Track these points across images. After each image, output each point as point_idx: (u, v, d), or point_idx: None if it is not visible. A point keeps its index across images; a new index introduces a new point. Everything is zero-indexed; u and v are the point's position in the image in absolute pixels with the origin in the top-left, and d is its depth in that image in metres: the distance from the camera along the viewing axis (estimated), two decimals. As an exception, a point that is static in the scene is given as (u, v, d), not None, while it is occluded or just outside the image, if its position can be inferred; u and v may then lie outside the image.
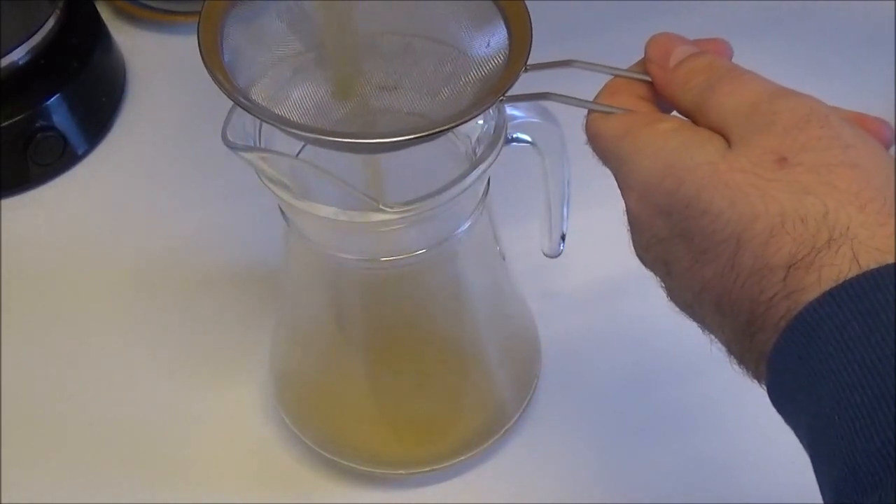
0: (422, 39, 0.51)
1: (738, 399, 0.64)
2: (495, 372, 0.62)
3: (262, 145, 0.52)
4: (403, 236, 0.54)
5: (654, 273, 0.46)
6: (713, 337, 0.44)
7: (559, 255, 0.64)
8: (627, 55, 0.48)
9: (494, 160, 0.52)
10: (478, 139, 0.54)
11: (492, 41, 0.49)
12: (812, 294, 0.39)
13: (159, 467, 0.64)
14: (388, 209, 0.49)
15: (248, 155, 0.50)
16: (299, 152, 0.56)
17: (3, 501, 0.63)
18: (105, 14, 0.83)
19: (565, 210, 0.62)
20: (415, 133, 0.46)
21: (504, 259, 0.61)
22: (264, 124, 0.52)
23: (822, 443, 0.38)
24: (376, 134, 0.49)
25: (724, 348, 0.44)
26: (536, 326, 0.66)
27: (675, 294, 0.46)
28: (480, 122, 0.54)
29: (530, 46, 0.48)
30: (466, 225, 0.55)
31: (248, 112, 0.47)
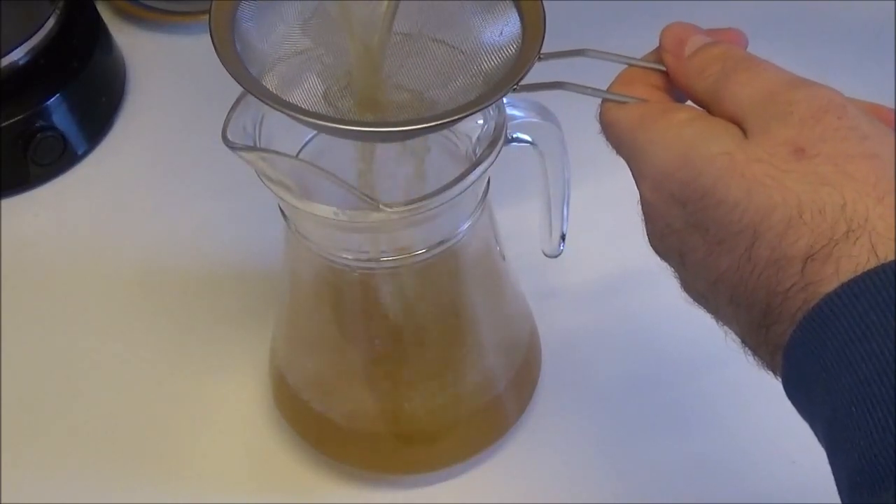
0: (434, 29, 0.51)
1: (739, 398, 0.64)
2: (496, 372, 0.62)
3: (262, 145, 0.52)
4: (403, 236, 0.54)
5: (668, 263, 0.46)
6: (727, 328, 0.44)
7: (559, 255, 0.64)
8: (638, 51, 0.48)
9: (494, 160, 0.52)
10: (478, 139, 0.54)
11: (505, 30, 0.49)
12: (830, 286, 0.39)
13: (158, 468, 0.64)
14: (388, 209, 0.49)
15: (248, 155, 0.50)
16: (299, 152, 0.56)
17: (3, 501, 0.62)
18: (105, 14, 0.83)
19: (565, 210, 0.62)
20: (431, 121, 0.46)
21: (504, 259, 0.61)
22: (264, 124, 0.52)
23: (838, 435, 0.38)
24: (394, 122, 0.49)
25: (738, 339, 0.44)
26: (537, 326, 0.65)
27: (689, 285, 0.45)
28: (480, 121, 0.54)
29: (544, 34, 0.48)
30: (466, 225, 0.55)
31: (260, 97, 0.46)
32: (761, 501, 0.61)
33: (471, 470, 0.63)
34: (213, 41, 0.47)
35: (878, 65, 0.79)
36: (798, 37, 0.81)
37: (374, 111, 0.50)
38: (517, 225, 0.63)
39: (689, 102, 0.46)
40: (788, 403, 0.42)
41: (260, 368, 0.66)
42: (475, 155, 0.53)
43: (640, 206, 0.46)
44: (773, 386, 0.42)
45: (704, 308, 0.45)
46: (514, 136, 0.56)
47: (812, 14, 0.83)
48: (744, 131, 0.42)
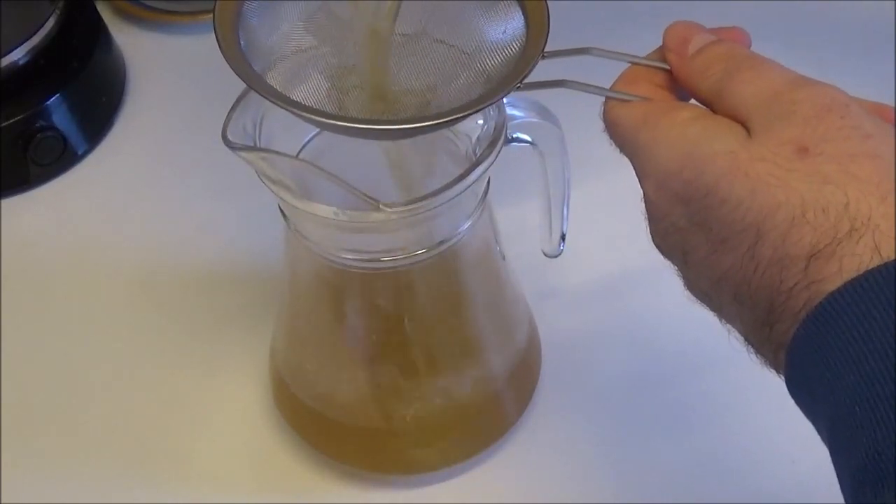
0: (438, 29, 0.51)
1: (740, 398, 0.64)
2: (495, 372, 0.62)
3: (262, 145, 0.52)
4: (403, 236, 0.54)
5: (672, 262, 0.46)
6: (730, 327, 0.44)
7: (559, 255, 0.64)
8: (642, 49, 0.48)
9: (494, 160, 0.52)
10: (478, 139, 0.54)
11: (508, 28, 0.49)
12: (833, 284, 0.39)
13: (158, 468, 0.64)
14: (388, 209, 0.49)
15: (248, 155, 0.50)
16: (299, 152, 0.56)
17: (3, 501, 0.62)
18: (105, 14, 0.83)
19: (565, 210, 0.62)
20: (436, 119, 0.46)
21: (504, 259, 0.61)
22: (264, 124, 0.52)
23: (841, 433, 0.38)
24: (398, 120, 0.49)
25: (741, 338, 0.44)
26: (536, 326, 0.65)
27: (692, 283, 0.45)
28: (480, 121, 0.54)
29: (548, 32, 0.48)
30: (466, 225, 0.55)
31: (264, 95, 0.46)
32: (761, 501, 0.61)
33: (471, 470, 0.63)
34: (217, 39, 0.47)
35: (878, 65, 0.79)
36: (798, 37, 0.81)
37: (377, 109, 0.50)
38: (517, 225, 0.63)
39: (692, 101, 0.46)
40: (789, 403, 0.42)
41: (260, 368, 0.66)
42: (475, 155, 0.53)
43: (643, 205, 0.46)
44: (773, 385, 0.42)
45: (708, 306, 0.45)
46: (514, 136, 0.56)
47: (812, 14, 0.83)
48: (747, 130, 0.42)
